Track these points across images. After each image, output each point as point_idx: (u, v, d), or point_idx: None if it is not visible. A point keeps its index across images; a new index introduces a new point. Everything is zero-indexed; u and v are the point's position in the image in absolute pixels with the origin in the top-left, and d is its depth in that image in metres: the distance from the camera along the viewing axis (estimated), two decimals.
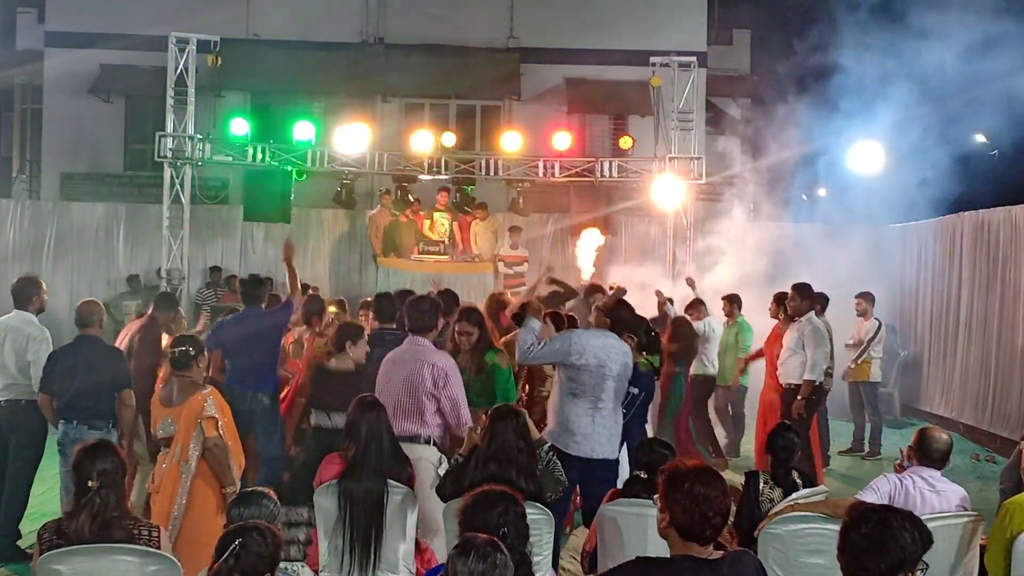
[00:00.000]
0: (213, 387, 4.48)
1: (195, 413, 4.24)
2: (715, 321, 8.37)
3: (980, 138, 17.74)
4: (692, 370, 7.78)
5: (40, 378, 5.25)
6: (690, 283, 8.69)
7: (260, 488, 3.40)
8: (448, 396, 4.67)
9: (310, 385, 5.07)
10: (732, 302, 8.49)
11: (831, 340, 7.28)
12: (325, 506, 4.00)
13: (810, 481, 4.37)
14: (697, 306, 8.30)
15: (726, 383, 8.38)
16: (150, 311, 6.20)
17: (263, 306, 5.96)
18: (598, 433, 4.76)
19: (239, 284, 6.29)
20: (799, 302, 6.87)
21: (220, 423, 4.25)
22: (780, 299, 7.26)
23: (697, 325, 7.96)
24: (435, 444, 4.69)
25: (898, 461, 4.14)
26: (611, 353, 4.83)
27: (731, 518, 4.31)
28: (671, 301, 8.17)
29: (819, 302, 7.28)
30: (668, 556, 2.43)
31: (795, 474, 4.30)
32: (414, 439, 4.59)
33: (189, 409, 4.26)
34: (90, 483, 3.13)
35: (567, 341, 4.81)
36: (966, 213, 10.44)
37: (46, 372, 5.23)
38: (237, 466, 4.34)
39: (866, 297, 9.11)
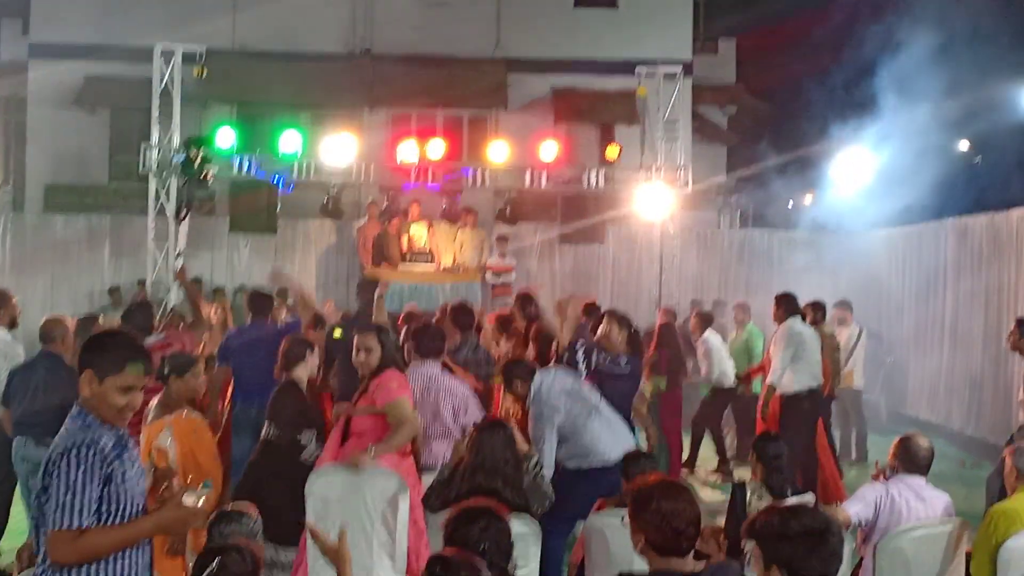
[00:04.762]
0: (185, 413, 4.26)
1: (149, 443, 4.06)
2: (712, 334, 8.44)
3: (963, 145, 17.92)
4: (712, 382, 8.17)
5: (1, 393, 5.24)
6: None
7: (240, 505, 3.36)
8: (474, 414, 4.79)
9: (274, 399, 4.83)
10: (702, 319, 8.51)
11: (831, 348, 7.38)
12: None
13: (799, 490, 4.36)
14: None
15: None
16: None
17: (268, 319, 6.08)
18: (618, 429, 4.89)
19: (247, 299, 6.28)
20: (777, 310, 6.99)
21: (173, 454, 4.02)
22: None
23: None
24: None
25: (874, 472, 4.15)
26: (559, 374, 4.96)
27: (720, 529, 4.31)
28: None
29: (801, 310, 7.25)
30: (650, 571, 2.42)
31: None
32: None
33: (148, 438, 4.11)
34: None
35: (541, 420, 4.73)
36: (949, 219, 10.51)
37: (5, 387, 5.23)
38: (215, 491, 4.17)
39: (843, 305, 9.16)
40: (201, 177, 7.12)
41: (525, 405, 4.93)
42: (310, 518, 3.84)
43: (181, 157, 7.20)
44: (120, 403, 2.47)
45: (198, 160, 6.93)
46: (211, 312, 7.11)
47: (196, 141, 6.79)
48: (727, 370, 8.24)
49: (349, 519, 3.76)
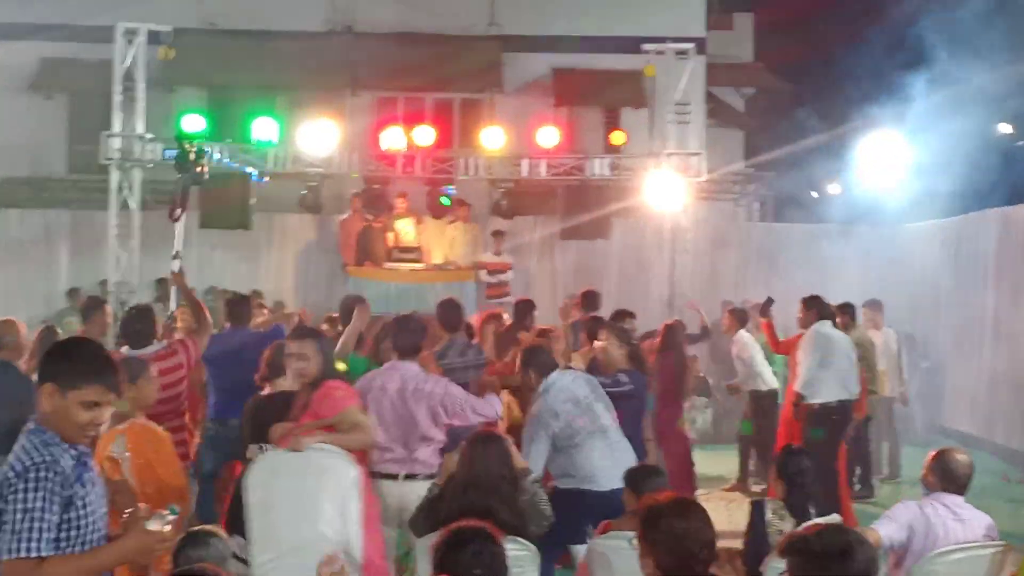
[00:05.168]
0: (140, 422, 4.23)
1: (100, 454, 3.95)
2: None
3: (1005, 127, 17.89)
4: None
5: None
6: (693, 307, 8.83)
7: (208, 527, 3.35)
8: (459, 412, 4.72)
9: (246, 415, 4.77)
10: (736, 316, 8.56)
11: (866, 353, 7.39)
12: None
13: (824, 510, 4.35)
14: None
15: None
16: (82, 329, 6.19)
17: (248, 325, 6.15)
18: (621, 457, 4.83)
19: (224, 304, 6.30)
20: (803, 314, 7.00)
21: (128, 466, 3.98)
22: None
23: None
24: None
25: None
26: (577, 381, 4.97)
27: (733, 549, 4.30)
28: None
29: (832, 312, 7.26)
30: None
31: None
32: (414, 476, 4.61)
33: (99, 448, 3.98)
34: None
35: (537, 422, 4.79)
36: (991, 210, 10.51)
37: None
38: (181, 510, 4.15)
39: (873, 306, 9.14)
40: (198, 171, 7.46)
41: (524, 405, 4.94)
42: (249, 511, 3.81)
43: (175, 152, 7.58)
44: (83, 419, 2.45)
45: (194, 154, 7.25)
46: (177, 317, 7.12)
47: (188, 134, 7.19)
48: (764, 372, 8.26)
49: (293, 505, 3.77)
